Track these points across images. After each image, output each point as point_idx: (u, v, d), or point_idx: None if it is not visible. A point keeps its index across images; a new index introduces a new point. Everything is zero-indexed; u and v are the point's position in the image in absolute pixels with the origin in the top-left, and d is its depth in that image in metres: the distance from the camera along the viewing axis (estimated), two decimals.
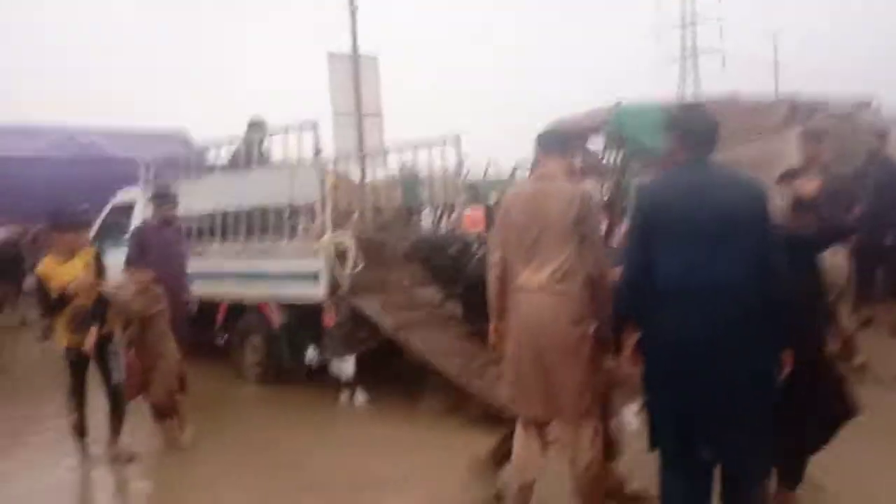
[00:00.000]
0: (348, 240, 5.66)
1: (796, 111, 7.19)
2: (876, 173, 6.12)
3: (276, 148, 6.60)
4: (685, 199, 2.45)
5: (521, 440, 3.18)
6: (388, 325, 5.52)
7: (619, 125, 8.19)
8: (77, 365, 4.52)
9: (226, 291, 6.60)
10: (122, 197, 8.13)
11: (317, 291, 5.71)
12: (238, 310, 6.60)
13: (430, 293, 6.33)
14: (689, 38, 41.88)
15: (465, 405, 5.01)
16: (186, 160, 7.33)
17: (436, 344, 5.47)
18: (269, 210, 6.24)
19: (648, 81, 47.24)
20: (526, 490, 3.16)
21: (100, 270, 4.50)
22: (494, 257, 3.26)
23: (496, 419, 4.13)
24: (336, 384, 6.22)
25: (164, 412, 4.84)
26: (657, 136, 7.74)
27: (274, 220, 6.21)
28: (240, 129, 6.86)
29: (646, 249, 2.47)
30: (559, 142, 3.30)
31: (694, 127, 2.59)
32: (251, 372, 6.52)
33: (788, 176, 4.67)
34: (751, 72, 42.05)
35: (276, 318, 6.22)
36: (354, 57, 9.77)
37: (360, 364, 6.78)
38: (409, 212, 7.72)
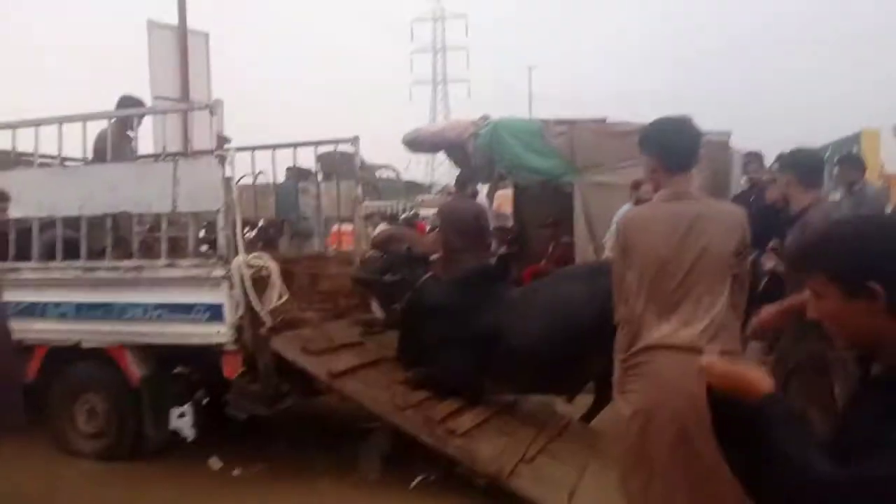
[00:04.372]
0: (271, 263, 4.29)
1: None
2: (757, 201, 6.46)
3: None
4: None
5: None
6: (321, 372, 4.27)
7: (492, 139, 7.81)
8: None
9: (48, 330, 4.64)
10: None
11: (218, 331, 4.21)
12: (65, 358, 4.68)
13: (343, 328, 5.16)
14: (440, 66, 45.46)
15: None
16: None
17: (381, 394, 4.37)
18: (131, 220, 4.54)
19: (402, 104, 49.84)
20: None
21: None
22: (623, 311, 2.40)
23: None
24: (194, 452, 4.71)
25: None
26: (534, 153, 7.72)
27: (140, 232, 4.53)
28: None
29: None
30: (690, 155, 2.44)
31: None
32: (86, 446, 4.63)
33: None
34: (504, 100, 46.95)
35: (136, 369, 4.49)
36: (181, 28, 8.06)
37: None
38: (283, 226, 6.37)
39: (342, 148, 5.91)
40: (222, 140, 4.27)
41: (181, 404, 5.32)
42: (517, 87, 56.76)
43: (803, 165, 3.38)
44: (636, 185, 5.99)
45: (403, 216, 13.90)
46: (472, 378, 4.60)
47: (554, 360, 4.46)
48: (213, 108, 4.33)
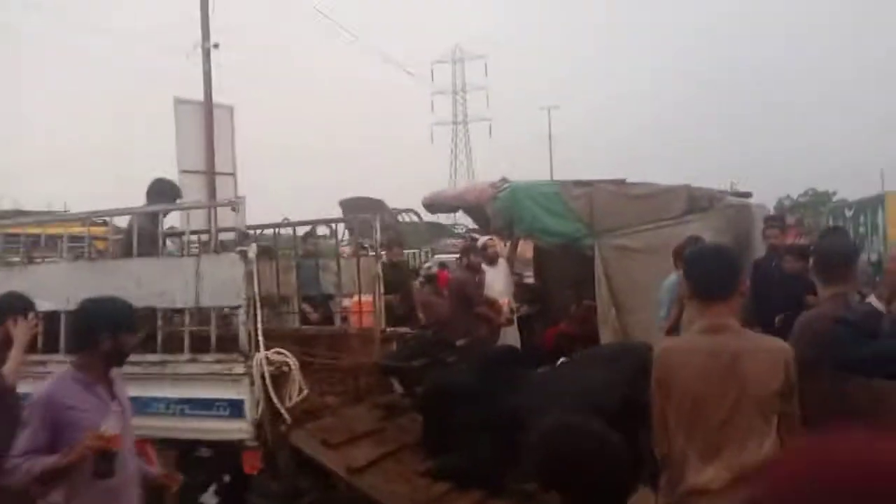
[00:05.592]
0: (290, 358, 4.33)
1: (695, 200, 7.45)
2: (778, 267, 6.33)
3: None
4: None
5: None
6: (340, 468, 4.25)
7: (511, 202, 7.84)
8: None
9: None
10: None
11: (238, 427, 4.23)
12: None
13: (363, 413, 5.15)
14: (461, 106, 46.80)
15: None
16: None
17: (401, 488, 4.32)
18: (153, 315, 4.62)
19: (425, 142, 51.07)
20: None
21: None
22: (664, 448, 2.37)
23: None
24: None
25: None
26: (553, 215, 7.73)
27: (162, 327, 4.60)
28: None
29: None
30: (727, 284, 2.34)
31: None
32: None
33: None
34: (524, 139, 47.84)
35: (160, 462, 4.52)
36: (207, 104, 8.36)
37: None
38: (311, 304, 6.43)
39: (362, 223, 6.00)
40: (243, 235, 4.34)
41: (206, 489, 5.33)
42: (537, 126, 57.58)
43: (821, 259, 3.15)
44: (680, 254, 5.87)
45: (426, 267, 13.90)
46: (496, 467, 4.55)
47: None
48: (236, 205, 4.42)
